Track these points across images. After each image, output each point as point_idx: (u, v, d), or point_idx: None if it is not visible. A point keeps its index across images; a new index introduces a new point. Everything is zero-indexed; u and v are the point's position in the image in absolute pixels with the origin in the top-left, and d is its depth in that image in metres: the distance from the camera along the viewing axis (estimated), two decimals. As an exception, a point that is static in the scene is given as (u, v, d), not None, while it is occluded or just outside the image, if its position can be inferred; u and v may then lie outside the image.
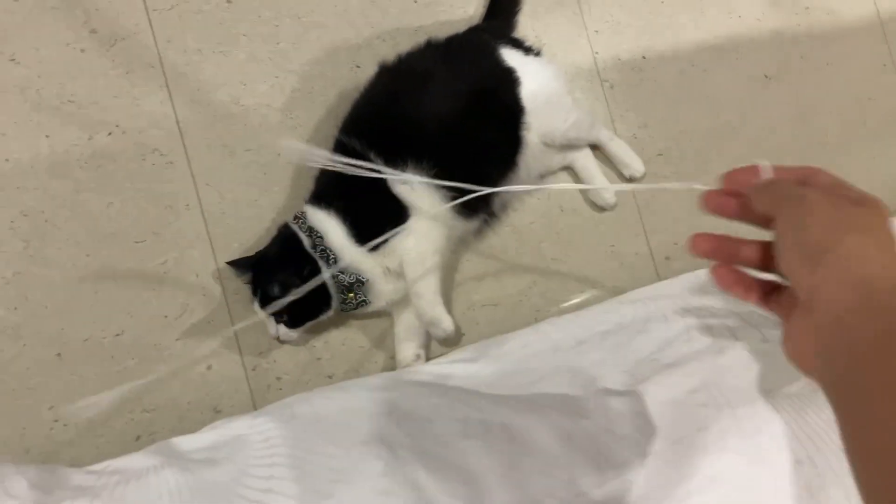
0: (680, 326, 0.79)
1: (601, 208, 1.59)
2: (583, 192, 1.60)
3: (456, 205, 1.24)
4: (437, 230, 1.29)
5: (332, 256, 1.24)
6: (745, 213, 0.58)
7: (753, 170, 0.58)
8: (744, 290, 0.57)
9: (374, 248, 1.19)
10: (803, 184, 0.54)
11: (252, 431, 0.68)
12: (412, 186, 1.26)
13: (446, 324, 1.23)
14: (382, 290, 1.30)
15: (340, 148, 1.31)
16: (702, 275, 0.98)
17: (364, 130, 1.29)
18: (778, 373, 0.65)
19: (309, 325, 1.28)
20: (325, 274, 1.18)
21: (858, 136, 1.87)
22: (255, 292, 1.26)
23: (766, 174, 0.56)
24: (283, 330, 1.25)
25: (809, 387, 0.65)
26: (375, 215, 1.26)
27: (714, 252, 0.59)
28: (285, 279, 1.22)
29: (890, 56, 1.96)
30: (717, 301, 0.83)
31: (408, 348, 1.36)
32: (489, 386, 0.75)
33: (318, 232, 1.25)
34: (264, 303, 1.22)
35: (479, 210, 1.36)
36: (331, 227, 1.25)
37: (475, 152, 1.33)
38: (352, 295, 1.27)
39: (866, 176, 1.84)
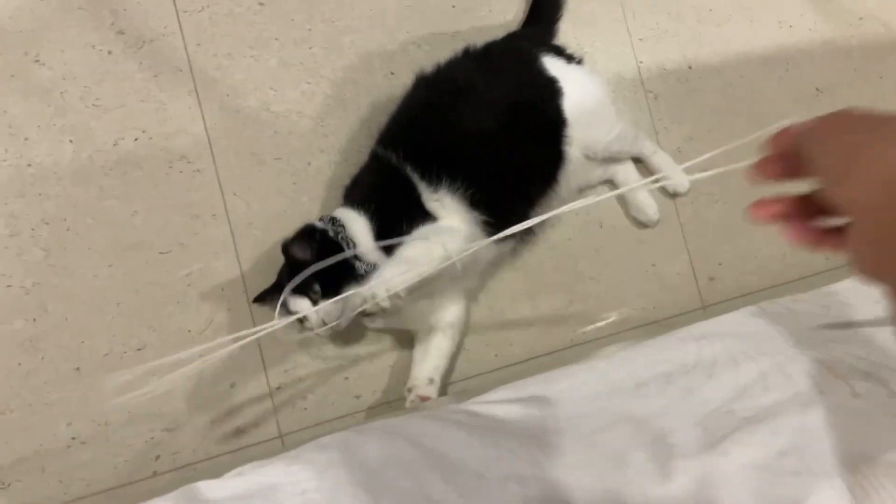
0: (753, 372, 0.72)
1: (643, 224, 1.52)
2: (625, 207, 1.52)
3: (491, 237, 1.17)
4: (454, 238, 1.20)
5: (351, 243, 1.18)
6: (794, 172, 0.57)
7: (788, 131, 0.56)
8: (815, 238, 0.56)
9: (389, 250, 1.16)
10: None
11: (286, 481, 0.62)
12: (442, 202, 1.20)
13: (379, 293, 1.08)
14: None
15: (375, 160, 1.26)
16: (767, 307, 0.90)
17: (400, 143, 1.23)
18: (877, 435, 0.58)
19: (345, 294, 1.13)
20: (347, 252, 1.14)
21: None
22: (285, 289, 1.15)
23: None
24: (323, 308, 1.13)
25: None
26: (402, 222, 1.19)
27: (778, 214, 0.59)
28: (309, 250, 1.16)
29: (946, 70, 1.87)
30: (791, 343, 0.76)
31: (422, 371, 1.28)
32: (543, 433, 0.68)
33: (340, 222, 1.19)
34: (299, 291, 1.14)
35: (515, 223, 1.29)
36: (356, 223, 1.19)
37: (515, 168, 1.26)
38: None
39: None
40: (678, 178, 1.51)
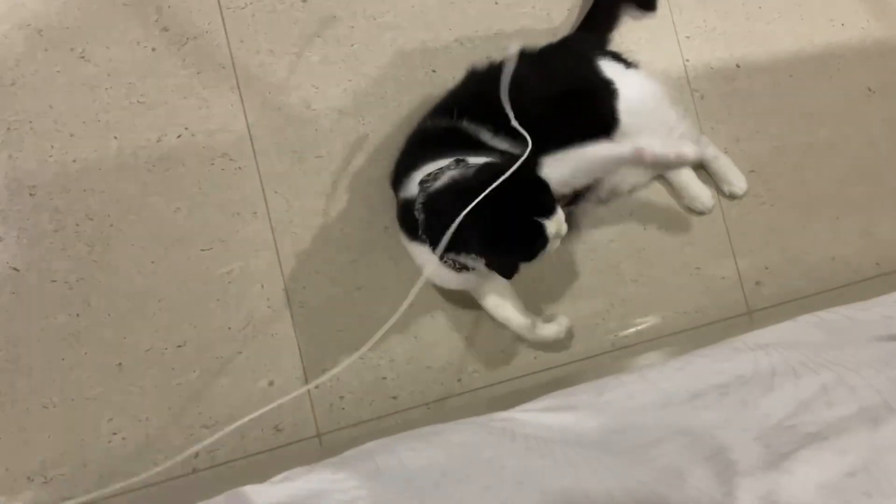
0: (815, 385, 0.69)
1: (699, 213, 1.50)
2: (678, 197, 1.50)
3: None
4: None
5: None
6: None
7: None
8: None
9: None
10: None
11: (334, 488, 0.61)
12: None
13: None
14: None
15: (420, 132, 1.28)
16: (825, 316, 0.87)
17: (454, 107, 1.24)
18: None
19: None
20: None
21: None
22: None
23: None
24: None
25: None
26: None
27: None
28: None
29: None
30: (852, 354, 0.73)
31: (513, 311, 1.30)
32: (593, 444, 0.66)
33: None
34: None
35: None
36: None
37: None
38: None
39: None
40: (738, 181, 1.50)
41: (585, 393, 0.76)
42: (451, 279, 1.23)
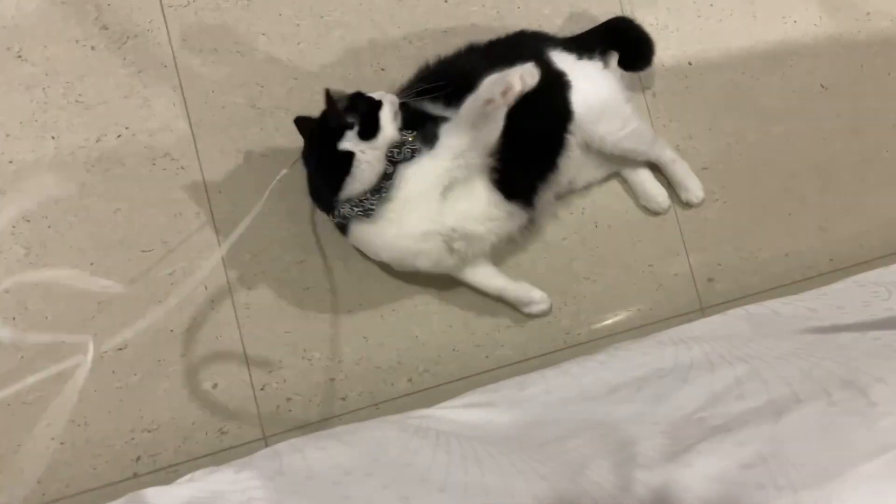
0: (729, 378, 0.68)
1: (654, 213, 1.50)
2: (634, 196, 1.50)
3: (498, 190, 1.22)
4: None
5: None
6: None
7: None
8: None
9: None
10: None
11: (233, 489, 0.60)
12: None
13: None
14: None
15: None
16: (753, 310, 0.87)
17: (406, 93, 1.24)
18: (849, 448, 0.55)
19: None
20: None
21: (921, 153, 1.73)
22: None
23: None
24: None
25: (890, 465, 0.54)
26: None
27: None
28: None
29: (958, 66, 1.82)
30: (771, 347, 0.72)
31: (505, 282, 1.36)
32: (506, 439, 0.65)
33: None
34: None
35: (523, 201, 1.27)
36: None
37: (516, 149, 1.23)
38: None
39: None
40: (695, 189, 1.49)
41: (508, 388, 0.76)
42: (426, 260, 1.22)
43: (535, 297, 1.38)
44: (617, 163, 1.46)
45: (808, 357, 0.69)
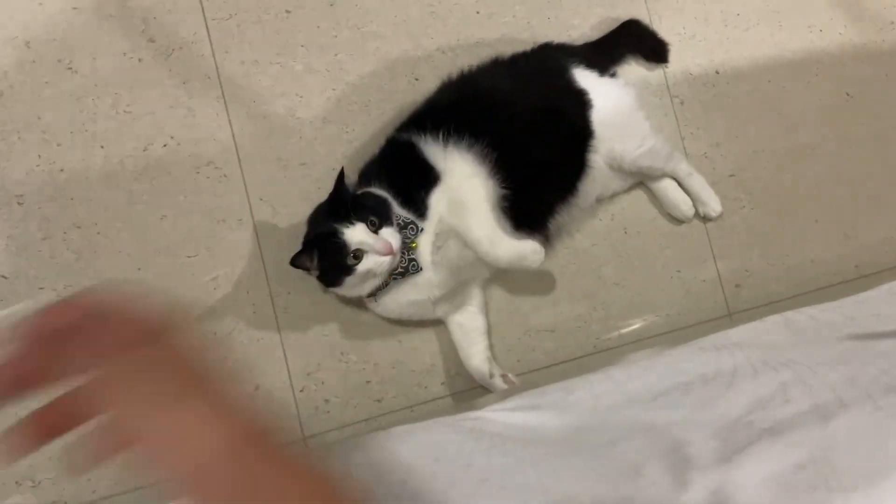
0: (773, 383, 0.71)
1: (679, 221, 1.52)
2: (659, 205, 1.52)
3: (507, 218, 1.24)
4: (472, 181, 1.22)
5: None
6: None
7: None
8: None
9: (418, 212, 1.21)
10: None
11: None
12: (446, 154, 1.23)
13: (527, 249, 1.18)
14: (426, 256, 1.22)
15: (391, 143, 1.29)
16: (791, 317, 0.90)
17: (416, 123, 1.27)
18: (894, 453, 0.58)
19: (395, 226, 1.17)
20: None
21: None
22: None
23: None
24: (386, 231, 1.15)
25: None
26: (416, 188, 1.23)
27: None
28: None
29: (982, 74, 1.83)
30: (813, 353, 0.75)
31: (476, 354, 1.32)
32: (557, 443, 0.68)
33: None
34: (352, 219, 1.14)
35: (533, 230, 1.30)
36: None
37: (531, 175, 1.27)
38: (412, 228, 1.20)
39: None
40: (712, 202, 1.51)
41: (554, 393, 0.79)
42: (392, 310, 1.27)
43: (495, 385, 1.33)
44: (639, 175, 1.48)
45: (850, 363, 0.71)
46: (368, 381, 1.34)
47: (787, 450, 0.61)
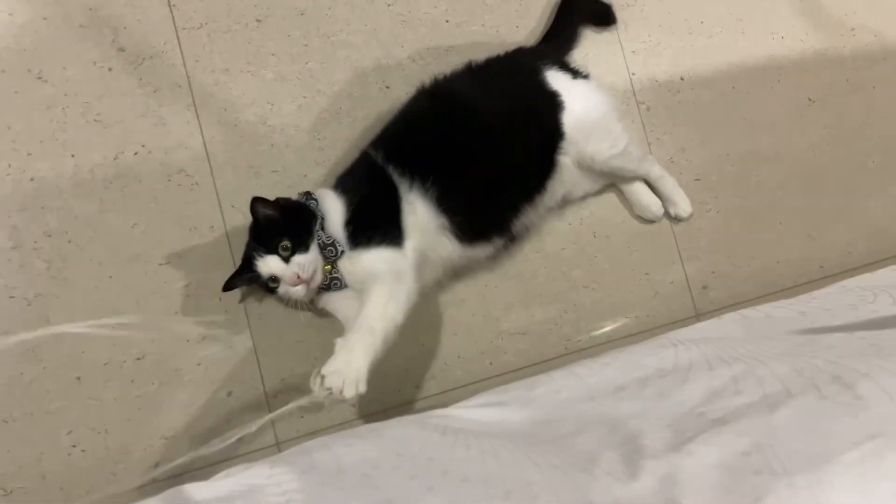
0: (726, 376, 0.73)
1: (649, 221, 1.55)
2: (629, 206, 1.55)
3: (457, 232, 1.25)
4: (405, 284, 1.18)
5: (321, 216, 1.22)
6: None
7: None
8: None
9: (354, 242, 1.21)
10: None
11: (269, 482, 0.64)
12: (415, 206, 1.23)
13: (349, 391, 1.02)
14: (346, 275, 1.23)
15: (364, 158, 1.29)
16: (748, 314, 0.92)
17: (387, 144, 1.28)
18: (838, 437, 0.60)
19: (312, 249, 1.17)
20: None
21: (905, 163, 1.80)
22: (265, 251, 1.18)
23: None
24: (298, 259, 1.15)
25: (875, 452, 0.60)
26: (372, 218, 1.23)
27: None
28: (277, 210, 1.20)
29: (939, 79, 1.89)
30: (765, 347, 0.78)
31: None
32: (518, 436, 0.70)
33: (315, 196, 1.25)
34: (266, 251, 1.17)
35: (491, 236, 1.32)
36: (331, 202, 1.24)
37: (499, 174, 1.29)
38: (330, 249, 1.20)
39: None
40: (683, 203, 1.55)
41: (517, 390, 0.81)
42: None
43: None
44: (610, 176, 1.51)
45: (800, 356, 0.74)
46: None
47: (735, 438, 0.64)
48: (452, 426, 0.74)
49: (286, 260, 1.16)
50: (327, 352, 1.34)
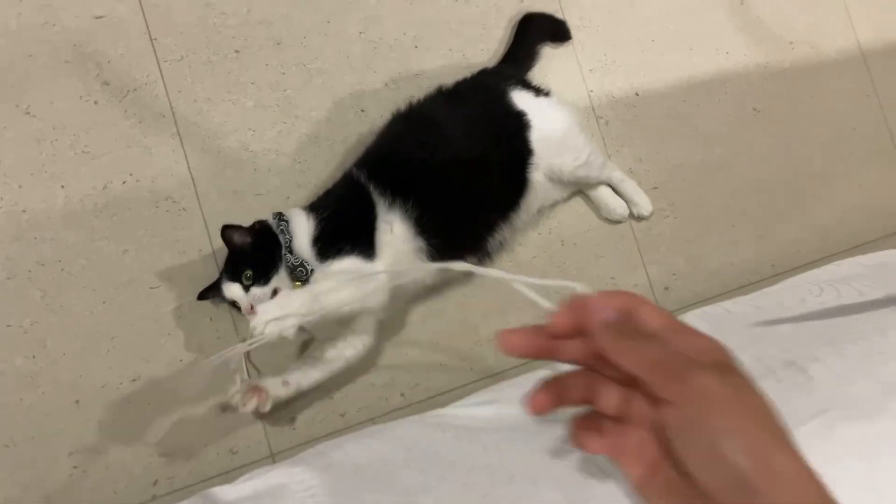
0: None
1: (615, 222, 1.66)
2: (596, 209, 1.66)
3: (434, 254, 1.30)
4: (371, 285, 1.24)
5: (288, 237, 1.26)
6: (580, 356, 0.54)
7: (584, 302, 0.52)
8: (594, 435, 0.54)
9: (323, 257, 1.25)
10: (629, 315, 0.51)
11: (292, 481, 0.71)
12: (392, 226, 1.30)
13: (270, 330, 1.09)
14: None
15: (345, 178, 1.36)
16: (709, 310, 1.02)
17: (369, 164, 1.34)
18: (792, 414, 0.68)
19: (273, 280, 1.22)
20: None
21: (844, 165, 1.94)
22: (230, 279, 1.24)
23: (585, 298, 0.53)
24: (255, 291, 1.21)
25: (827, 424, 0.69)
26: (343, 236, 1.27)
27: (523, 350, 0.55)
28: (249, 237, 1.27)
29: (872, 86, 2.04)
30: (725, 340, 0.87)
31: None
32: (514, 427, 0.78)
33: (286, 217, 1.29)
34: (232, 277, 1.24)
35: (466, 256, 1.39)
36: (300, 221, 1.29)
37: (476, 196, 1.37)
38: (300, 270, 1.24)
39: (851, 203, 1.91)
40: (643, 203, 1.66)
41: (510, 387, 0.88)
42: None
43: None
44: (577, 184, 1.61)
45: (757, 345, 0.83)
46: (332, 397, 1.41)
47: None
48: (452, 423, 0.81)
49: (246, 289, 1.22)
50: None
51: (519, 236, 1.59)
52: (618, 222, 1.66)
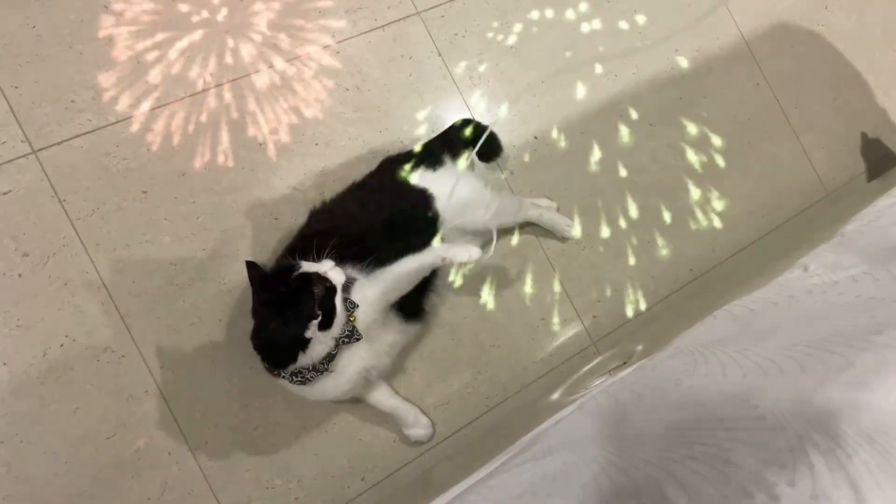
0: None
1: (567, 239, 1.80)
2: (548, 228, 1.79)
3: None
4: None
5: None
6: None
7: None
8: None
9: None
10: None
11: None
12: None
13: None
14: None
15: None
16: (645, 365, 1.15)
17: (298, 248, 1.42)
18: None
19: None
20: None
21: (745, 156, 2.04)
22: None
23: None
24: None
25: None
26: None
27: None
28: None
29: (761, 73, 2.13)
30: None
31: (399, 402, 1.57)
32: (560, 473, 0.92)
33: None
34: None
35: (415, 315, 1.52)
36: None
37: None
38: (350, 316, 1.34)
39: (758, 192, 2.01)
40: (567, 227, 1.79)
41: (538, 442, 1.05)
42: (347, 394, 1.42)
43: (421, 421, 1.60)
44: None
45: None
46: (297, 499, 1.51)
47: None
48: (515, 483, 0.97)
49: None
50: (274, 471, 1.50)
51: (446, 302, 1.69)
52: (569, 238, 1.81)
